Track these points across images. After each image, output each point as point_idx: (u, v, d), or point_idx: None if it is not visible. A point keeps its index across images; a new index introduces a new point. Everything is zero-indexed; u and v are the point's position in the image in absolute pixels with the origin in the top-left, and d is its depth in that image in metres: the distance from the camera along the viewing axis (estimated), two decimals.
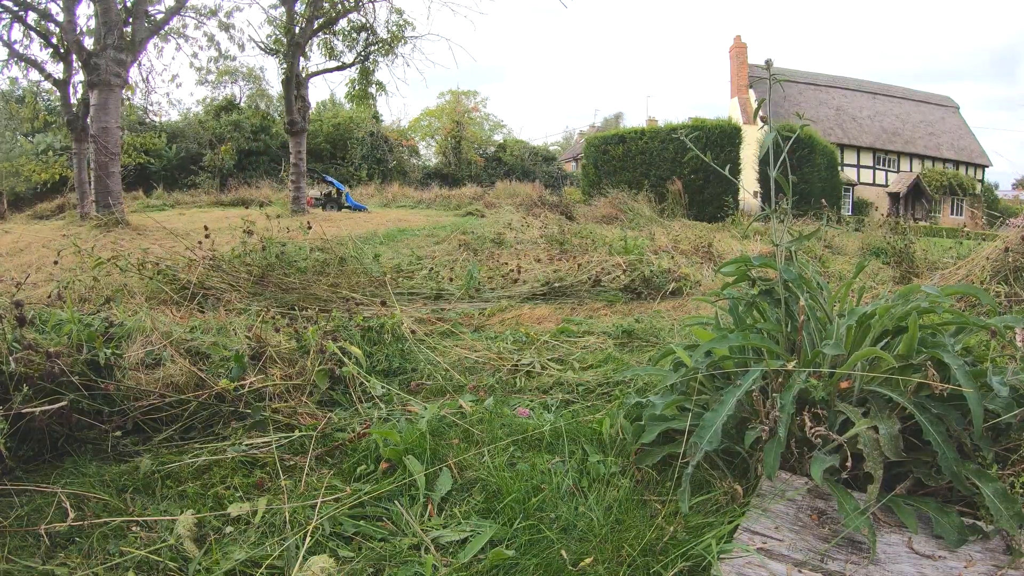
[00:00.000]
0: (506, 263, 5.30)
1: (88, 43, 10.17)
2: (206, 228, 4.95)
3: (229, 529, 1.56)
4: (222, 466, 1.87)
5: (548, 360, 2.97)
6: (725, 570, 1.21)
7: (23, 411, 1.52)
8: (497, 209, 13.06)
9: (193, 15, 12.97)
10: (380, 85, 15.71)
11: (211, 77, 28.16)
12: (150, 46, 12.03)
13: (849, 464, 1.43)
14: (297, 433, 2.08)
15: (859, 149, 27.62)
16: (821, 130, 24.11)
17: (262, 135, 24.61)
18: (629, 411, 2.04)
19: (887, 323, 1.65)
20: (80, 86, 11.90)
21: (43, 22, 11.45)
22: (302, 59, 12.85)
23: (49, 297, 3.40)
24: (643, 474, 1.76)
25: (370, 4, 13.24)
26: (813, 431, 1.48)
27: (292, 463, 1.90)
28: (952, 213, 28.21)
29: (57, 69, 12.55)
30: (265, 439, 2.04)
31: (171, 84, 24.67)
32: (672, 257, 5.51)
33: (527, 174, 27.39)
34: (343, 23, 13.59)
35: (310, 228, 5.54)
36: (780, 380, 1.63)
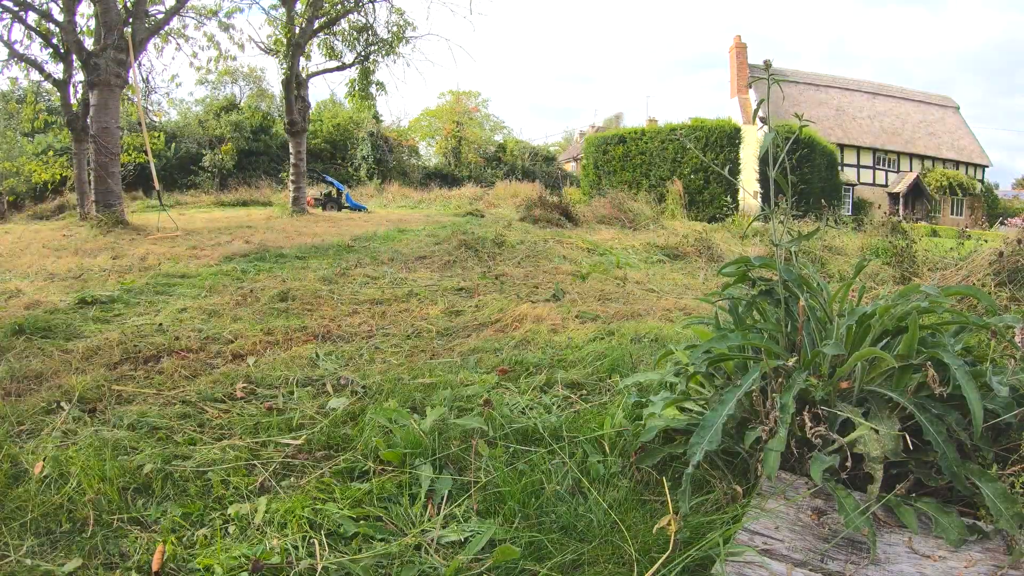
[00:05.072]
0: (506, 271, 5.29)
1: (88, 43, 10.17)
2: None
3: (229, 529, 1.56)
4: (222, 466, 1.87)
5: (548, 359, 2.97)
6: (725, 570, 1.21)
7: None
8: (497, 209, 13.06)
9: (193, 15, 12.96)
10: (380, 85, 15.72)
11: (211, 77, 28.15)
12: (150, 46, 12.03)
13: (849, 464, 1.43)
14: (297, 433, 2.08)
15: (859, 149, 27.62)
16: (821, 130, 24.09)
17: (262, 135, 24.58)
18: (629, 411, 2.04)
19: (887, 323, 1.65)
20: (80, 86, 11.90)
21: (43, 22, 11.43)
22: (302, 59, 12.84)
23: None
24: (643, 474, 1.76)
25: (370, 4, 13.24)
26: (813, 431, 1.48)
27: (293, 463, 1.90)
28: (952, 213, 28.21)
29: (57, 69, 12.54)
30: (265, 439, 2.04)
31: (171, 84, 24.71)
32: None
33: (527, 174, 27.35)
34: (343, 23, 13.59)
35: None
36: (780, 380, 1.63)
